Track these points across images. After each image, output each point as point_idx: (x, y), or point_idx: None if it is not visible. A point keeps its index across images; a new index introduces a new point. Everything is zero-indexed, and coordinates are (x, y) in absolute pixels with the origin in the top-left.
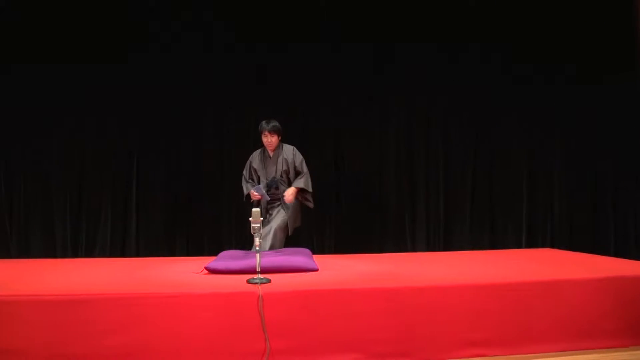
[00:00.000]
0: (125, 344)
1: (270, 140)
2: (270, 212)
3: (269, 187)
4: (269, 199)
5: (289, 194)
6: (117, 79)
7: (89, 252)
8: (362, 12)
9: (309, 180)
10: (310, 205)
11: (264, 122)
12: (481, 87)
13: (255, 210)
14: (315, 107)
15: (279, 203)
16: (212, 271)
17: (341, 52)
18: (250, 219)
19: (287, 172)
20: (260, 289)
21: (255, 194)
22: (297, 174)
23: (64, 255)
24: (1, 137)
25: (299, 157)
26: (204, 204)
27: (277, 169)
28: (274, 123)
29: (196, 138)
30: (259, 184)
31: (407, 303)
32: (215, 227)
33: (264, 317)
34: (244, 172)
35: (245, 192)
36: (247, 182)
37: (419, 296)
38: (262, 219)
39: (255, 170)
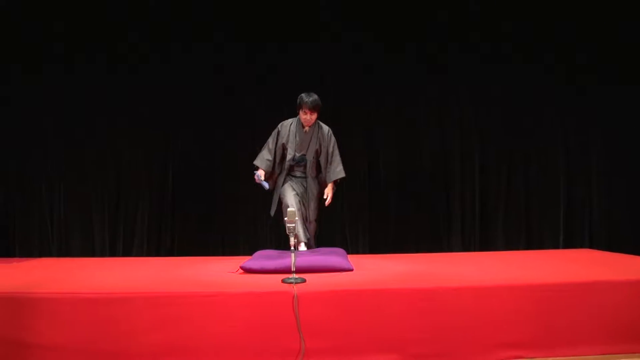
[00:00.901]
0: (161, 342)
1: (310, 118)
2: (292, 185)
3: (296, 163)
4: (267, 188)
5: (330, 194)
6: (153, 79)
7: (127, 251)
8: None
9: (341, 166)
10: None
11: (304, 96)
12: (516, 86)
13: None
14: (348, 107)
15: (302, 179)
16: (248, 271)
17: (379, 46)
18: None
19: (317, 153)
20: (296, 289)
21: (256, 179)
22: (327, 158)
23: (102, 254)
24: (42, 140)
25: (333, 140)
26: (239, 203)
27: (310, 147)
28: (316, 98)
29: (231, 138)
30: (285, 157)
31: (443, 303)
32: (251, 227)
33: (299, 317)
34: (269, 140)
35: (258, 162)
36: (267, 156)
37: (455, 297)
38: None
39: (284, 142)
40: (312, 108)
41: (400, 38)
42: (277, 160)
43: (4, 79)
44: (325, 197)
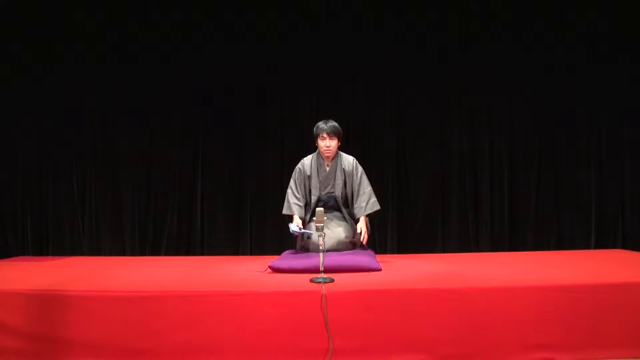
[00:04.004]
0: (191, 340)
1: (329, 144)
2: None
3: (324, 203)
4: (310, 235)
5: (364, 230)
6: (181, 78)
7: (156, 250)
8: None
9: (374, 198)
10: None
11: (321, 123)
12: (545, 84)
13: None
14: (377, 106)
15: (332, 215)
16: (276, 270)
17: (401, 43)
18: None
19: (344, 186)
20: (324, 288)
21: (295, 233)
22: (354, 190)
23: (132, 253)
24: (73, 139)
25: (360, 169)
26: (268, 203)
27: (336, 182)
28: (334, 123)
29: (260, 138)
30: (311, 197)
31: (472, 304)
32: (279, 227)
33: (327, 316)
34: (291, 183)
35: (287, 211)
36: (294, 200)
37: (484, 297)
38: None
39: (308, 180)
40: (331, 133)
41: (431, 35)
42: (307, 200)
43: (37, 79)
44: (359, 232)
